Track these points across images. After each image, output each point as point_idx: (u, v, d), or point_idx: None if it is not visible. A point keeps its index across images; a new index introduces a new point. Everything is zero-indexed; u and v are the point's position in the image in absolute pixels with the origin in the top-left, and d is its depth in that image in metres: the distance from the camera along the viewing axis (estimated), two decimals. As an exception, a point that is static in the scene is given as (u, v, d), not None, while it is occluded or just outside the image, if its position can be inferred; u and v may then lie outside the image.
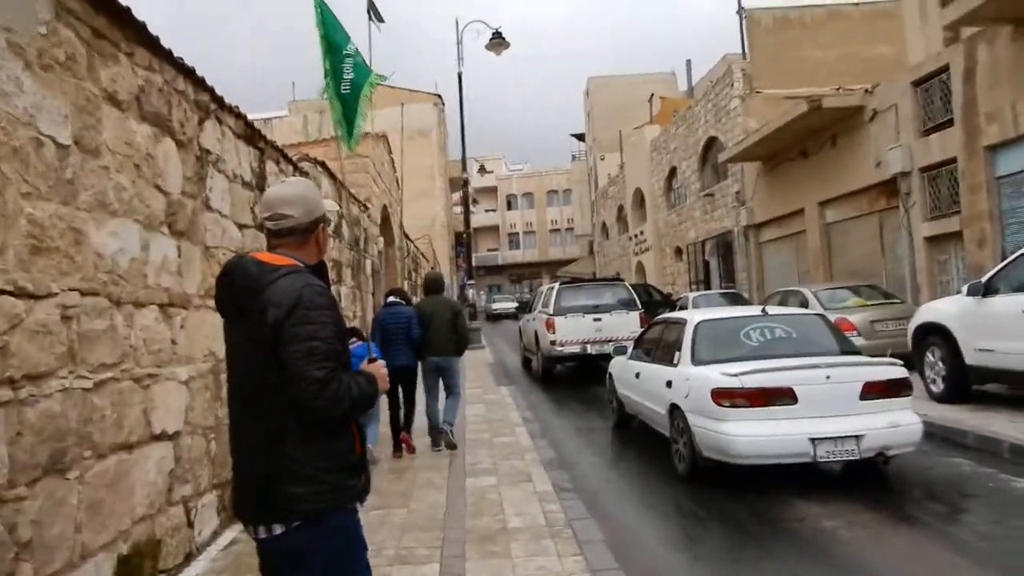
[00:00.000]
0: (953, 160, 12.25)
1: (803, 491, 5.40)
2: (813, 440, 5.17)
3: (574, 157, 55.09)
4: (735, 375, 5.38)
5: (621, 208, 36.89)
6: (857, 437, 5.21)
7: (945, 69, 12.31)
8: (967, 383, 7.28)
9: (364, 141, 11.31)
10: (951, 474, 5.70)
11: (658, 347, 7.15)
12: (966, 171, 11.90)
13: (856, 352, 6.21)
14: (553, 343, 12.60)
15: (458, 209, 36.94)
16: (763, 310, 6.73)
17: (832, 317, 10.67)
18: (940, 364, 7.61)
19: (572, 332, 12.58)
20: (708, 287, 24.12)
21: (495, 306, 44.29)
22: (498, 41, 19.39)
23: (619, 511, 5.37)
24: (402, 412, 7.19)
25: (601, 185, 41.89)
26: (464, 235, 23.64)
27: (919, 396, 7.99)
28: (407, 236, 17.06)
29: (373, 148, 11.99)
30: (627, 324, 12.53)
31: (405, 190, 38.86)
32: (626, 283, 15.27)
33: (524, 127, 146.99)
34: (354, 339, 6.94)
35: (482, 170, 35.04)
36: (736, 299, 16.83)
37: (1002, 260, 11.85)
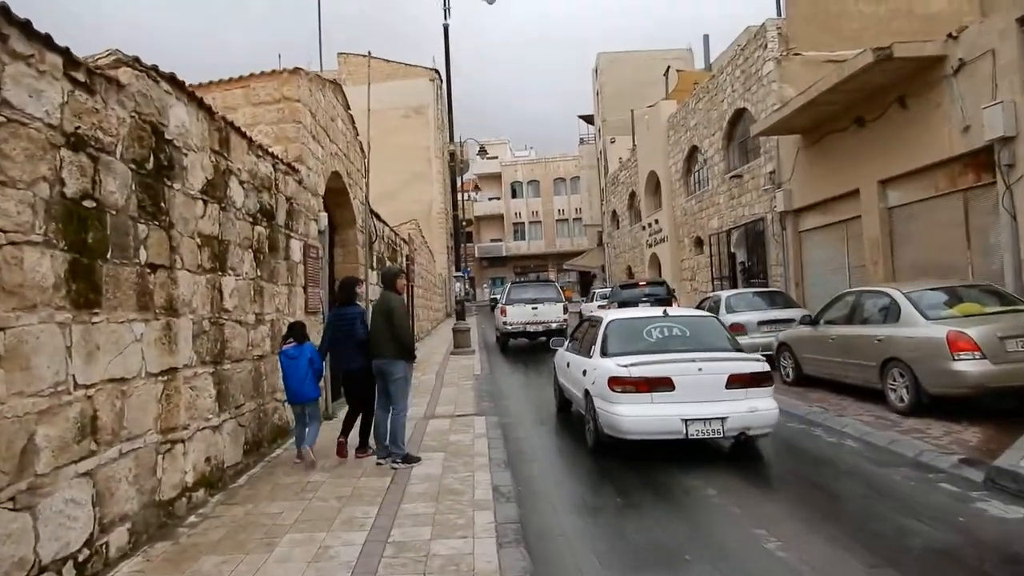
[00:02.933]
0: (1083, 119, 9.16)
1: (693, 464, 6.41)
2: (685, 420, 6.34)
3: (582, 140, 51.82)
4: (625, 366, 6.57)
5: (633, 195, 33.74)
6: (722, 419, 6.38)
7: (1080, -7, 9.20)
8: None
9: (293, 78, 8.31)
10: None
11: (582, 341, 8.29)
12: (1106, 132, 8.79)
13: (739, 349, 7.22)
14: (505, 323, 18.83)
15: (461, 196, 33.80)
16: (664, 312, 7.82)
17: (941, 330, 7.66)
18: None
19: (517, 316, 18.63)
20: (734, 283, 21.05)
21: (490, 298, 47.54)
22: (492, -13, 16.29)
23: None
24: (359, 417, 6.96)
25: (611, 170, 38.73)
26: (455, 218, 20.59)
27: None
28: (378, 217, 14.03)
29: (310, 93, 8.95)
30: (554, 312, 18.70)
31: (399, 173, 35.92)
32: (556, 283, 22.32)
33: (530, 114, 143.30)
34: (290, 339, 6.68)
35: (482, 151, 32.00)
36: (776, 299, 13.74)
37: None
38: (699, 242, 25.10)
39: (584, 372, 7.44)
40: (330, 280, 9.98)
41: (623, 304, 19.07)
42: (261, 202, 7.03)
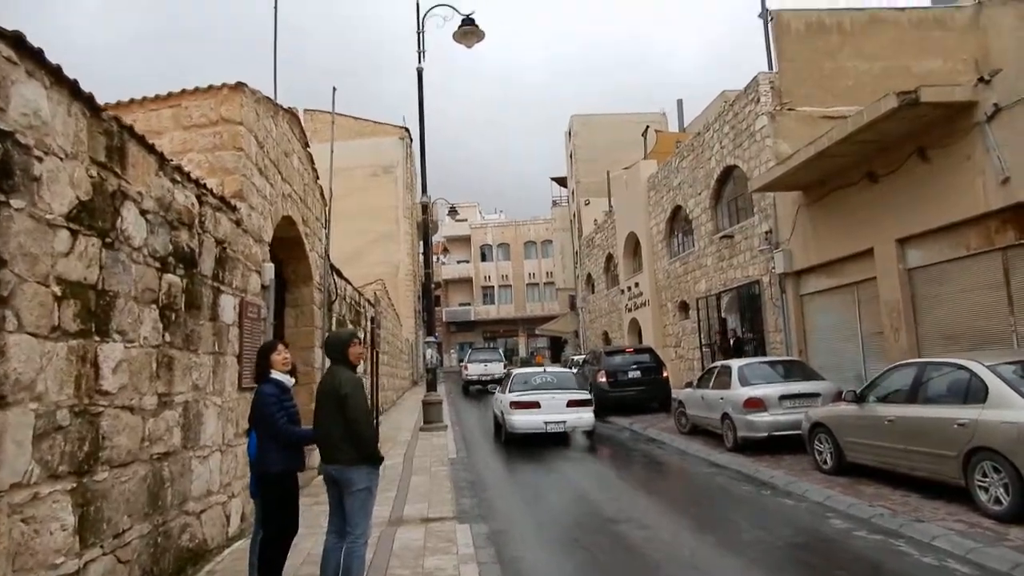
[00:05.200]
0: None
1: (551, 448, 12.76)
2: (546, 422, 12.85)
3: (555, 203, 50.98)
4: (517, 396, 13.33)
5: (610, 257, 32.49)
6: (563, 421, 12.94)
7: None
8: None
9: (234, 96, 6.66)
10: None
11: (502, 385, 15.38)
12: None
13: (582, 389, 14.23)
14: (467, 375, 29.67)
15: (433, 258, 31.77)
16: (544, 369, 15.89)
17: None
18: None
19: (475, 370, 29.22)
20: (725, 351, 19.51)
21: (458, 361, 52.26)
22: (469, 29, 15.07)
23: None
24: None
25: (586, 233, 37.64)
26: (426, 278, 18.86)
27: None
28: (340, 274, 12.23)
29: (256, 116, 7.28)
30: (498, 368, 28.57)
31: (365, 233, 34.23)
32: (499, 349, 37.94)
33: (501, 176, 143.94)
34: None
35: (453, 212, 30.72)
36: (793, 370, 12.15)
37: None
38: (684, 306, 23.71)
39: (501, 401, 14.27)
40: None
41: (611, 373, 17.65)
42: (176, 242, 5.22)
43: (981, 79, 10.68)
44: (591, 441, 13.86)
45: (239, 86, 6.91)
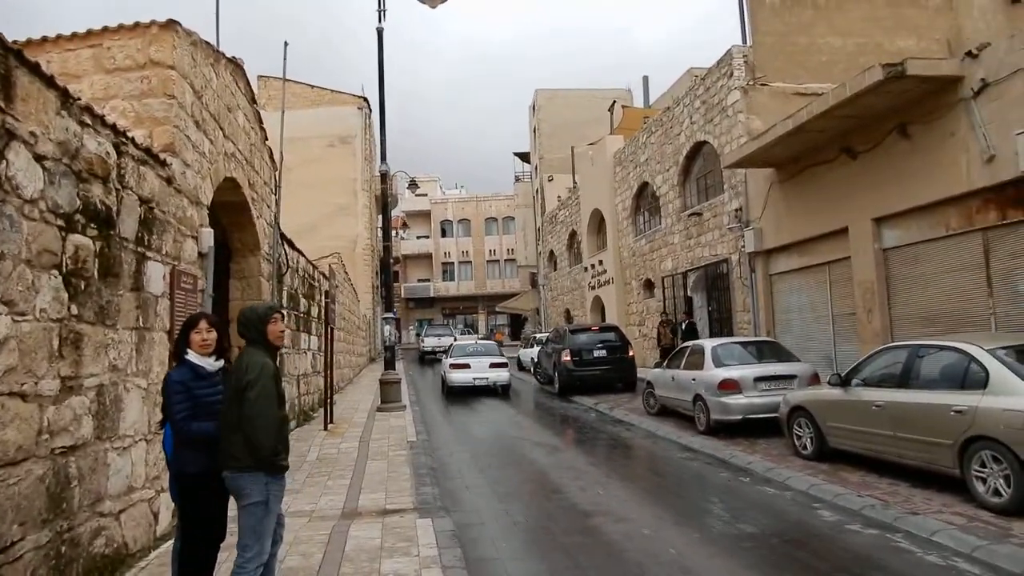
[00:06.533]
0: None
1: (482, 398, 17.82)
2: (474, 379, 18.16)
3: (517, 178, 50.13)
4: (454, 360, 18.81)
5: (574, 234, 31.95)
6: (487, 378, 18.18)
7: None
8: None
9: (164, 35, 5.78)
10: None
11: (446, 353, 20.82)
12: None
13: (501, 355, 19.30)
14: (423, 348, 35.91)
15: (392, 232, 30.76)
16: (476, 340, 23.63)
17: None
18: None
19: (429, 342, 35.53)
20: (675, 333, 19.16)
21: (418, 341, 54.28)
22: (435, -13, 14.17)
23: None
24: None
25: (549, 209, 37.01)
26: (385, 252, 17.99)
27: None
28: (291, 244, 11.36)
29: (193, 62, 6.39)
30: (448, 340, 30.28)
31: (321, 205, 32.99)
32: (450, 325, 46.17)
33: (466, 155, 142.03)
34: None
35: (413, 185, 29.71)
36: (765, 350, 11.74)
37: None
38: (649, 285, 23.33)
39: (444, 364, 19.35)
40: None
41: (576, 352, 17.14)
42: (87, 198, 4.38)
43: (969, 53, 10.28)
44: (557, 422, 13.39)
45: (170, 24, 6.01)
